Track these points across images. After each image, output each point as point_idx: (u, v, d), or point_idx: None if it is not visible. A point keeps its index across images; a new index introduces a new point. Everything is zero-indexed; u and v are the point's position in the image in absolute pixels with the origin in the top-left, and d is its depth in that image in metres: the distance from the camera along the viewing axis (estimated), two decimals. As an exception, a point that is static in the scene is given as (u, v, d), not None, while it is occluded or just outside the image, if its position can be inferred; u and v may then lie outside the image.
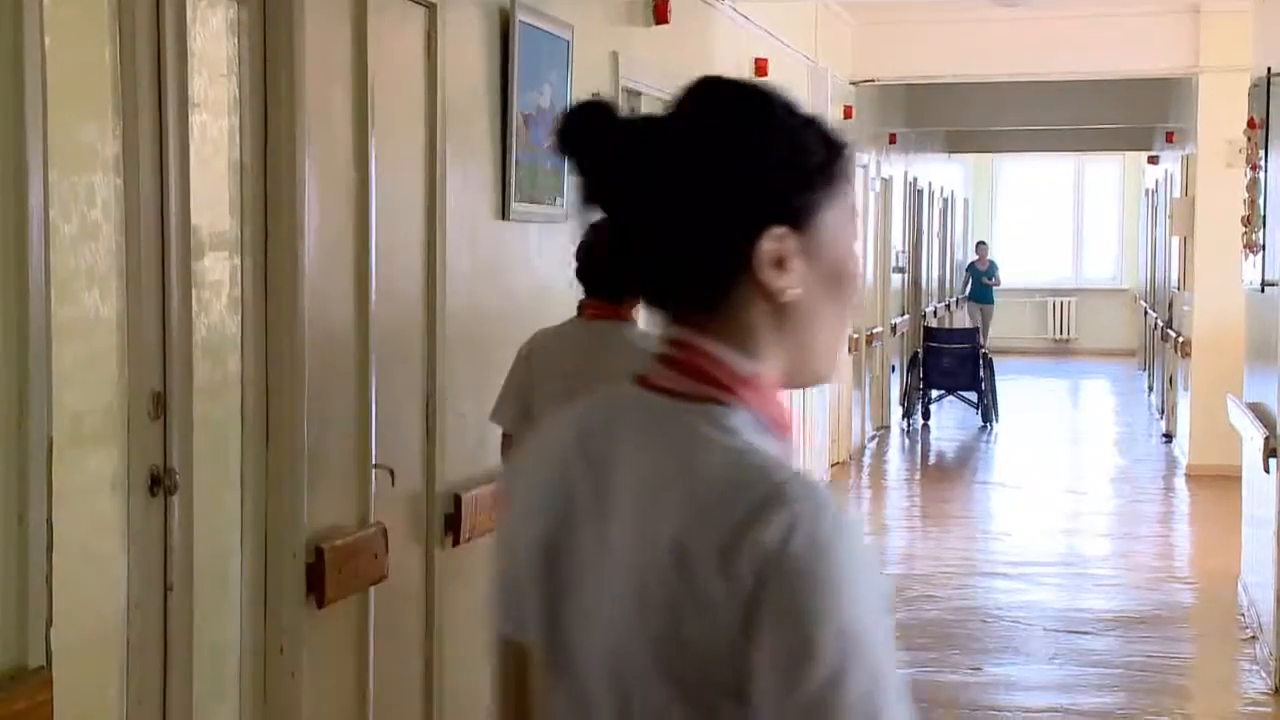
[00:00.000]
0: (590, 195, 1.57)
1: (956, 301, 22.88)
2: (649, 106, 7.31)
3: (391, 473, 4.39)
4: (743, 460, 1.47)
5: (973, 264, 24.17)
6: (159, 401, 3.38)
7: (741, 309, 1.52)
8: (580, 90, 6.04)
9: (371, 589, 4.27)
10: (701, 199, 1.49)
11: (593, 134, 1.56)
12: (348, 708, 4.24)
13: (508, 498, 1.68)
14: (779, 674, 1.36)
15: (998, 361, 16.72)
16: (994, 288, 23.87)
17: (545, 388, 4.39)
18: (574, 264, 4.45)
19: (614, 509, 1.52)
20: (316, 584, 3.92)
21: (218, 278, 3.71)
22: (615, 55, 6.59)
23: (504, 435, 4.56)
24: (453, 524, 4.86)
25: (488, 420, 5.25)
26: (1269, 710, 6.47)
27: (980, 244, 24.45)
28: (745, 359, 1.53)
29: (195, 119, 3.52)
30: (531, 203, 5.54)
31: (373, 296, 4.27)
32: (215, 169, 3.69)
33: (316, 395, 3.96)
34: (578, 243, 4.51)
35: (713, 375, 1.53)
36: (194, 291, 3.51)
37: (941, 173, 20.65)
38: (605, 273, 4.36)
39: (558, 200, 5.81)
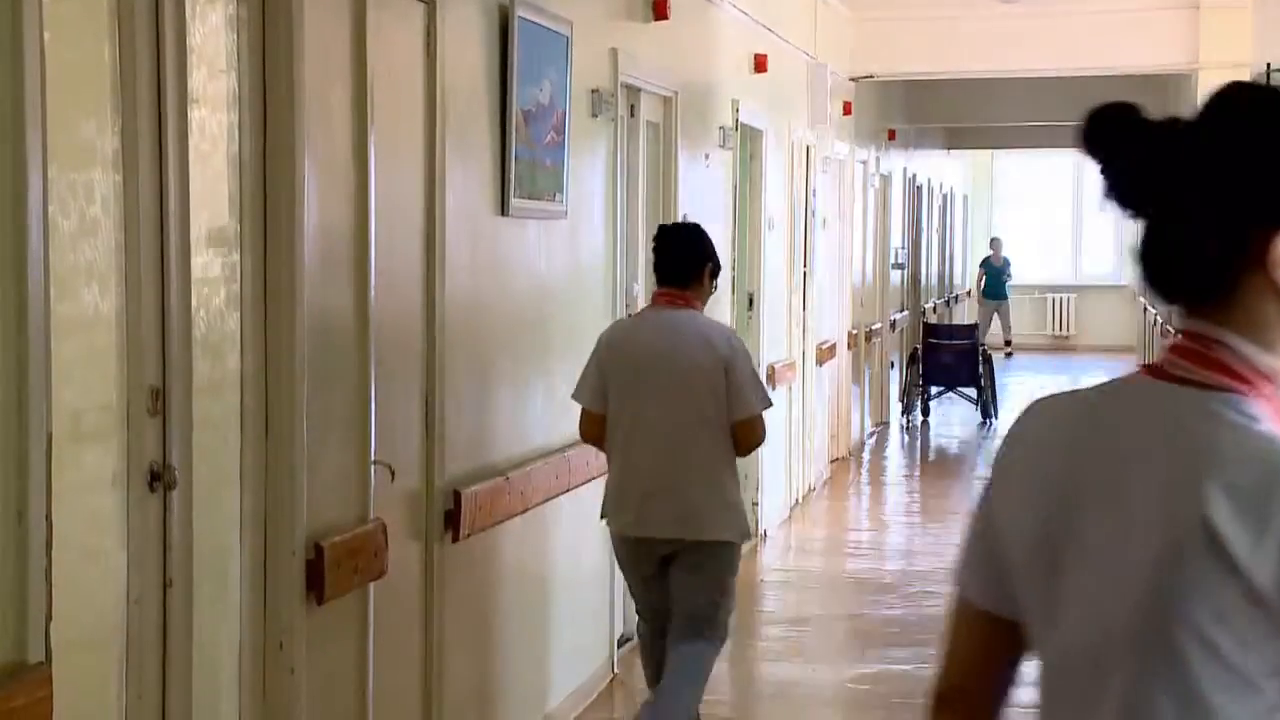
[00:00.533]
0: (1118, 193, 1.67)
1: (955, 299, 22.80)
2: (648, 102, 7.31)
3: (391, 469, 4.39)
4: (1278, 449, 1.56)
5: (987, 260, 24.24)
6: (158, 397, 3.38)
7: (1256, 305, 1.59)
8: (580, 86, 6.05)
9: (371, 585, 4.27)
10: (1227, 199, 1.58)
11: (1123, 136, 1.71)
12: (347, 704, 4.24)
13: (1001, 481, 1.76)
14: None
15: (997, 358, 16.72)
16: (1007, 284, 24.15)
17: (620, 370, 5.24)
18: (651, 259, 5.36)
19: (1133, 494, 1.60)
20: (316, 580, 3.92)
21: (217, 274, 3.70)
22: (615, 51, 6.58)
23: (584, 411, 5.36)
24: (452, 520, 4.86)
25: (487, 417, 5.26)
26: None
27: (995, 240, 24.52)
28: (1263, 353, 1.60)
29: (194, 115, 3.52)
30: (531, 199, 5.54)
31: (372, 292, 4.27)
32: (214, 165, 3.68)
33: (316, 391, 3.96)
34: (653, 241, 5.44)
35: (1233, 368, 1.60)
36: (193, 288, 3.51)
37: (941, 169, 20.66)
38: (677, 266, 5.27)
39: (557, 196, 5.81)
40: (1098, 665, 1.63)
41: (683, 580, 5.29)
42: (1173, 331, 1.84)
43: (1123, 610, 1.60)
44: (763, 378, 9.81)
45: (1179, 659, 1.56)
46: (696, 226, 5.76)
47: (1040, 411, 1.79)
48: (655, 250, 5.50)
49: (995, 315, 24.19)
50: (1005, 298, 24.22)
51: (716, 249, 5.62)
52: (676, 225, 6.18)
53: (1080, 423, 1.71)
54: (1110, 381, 1.76)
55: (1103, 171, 1.67)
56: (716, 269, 5.49)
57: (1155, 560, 1.56)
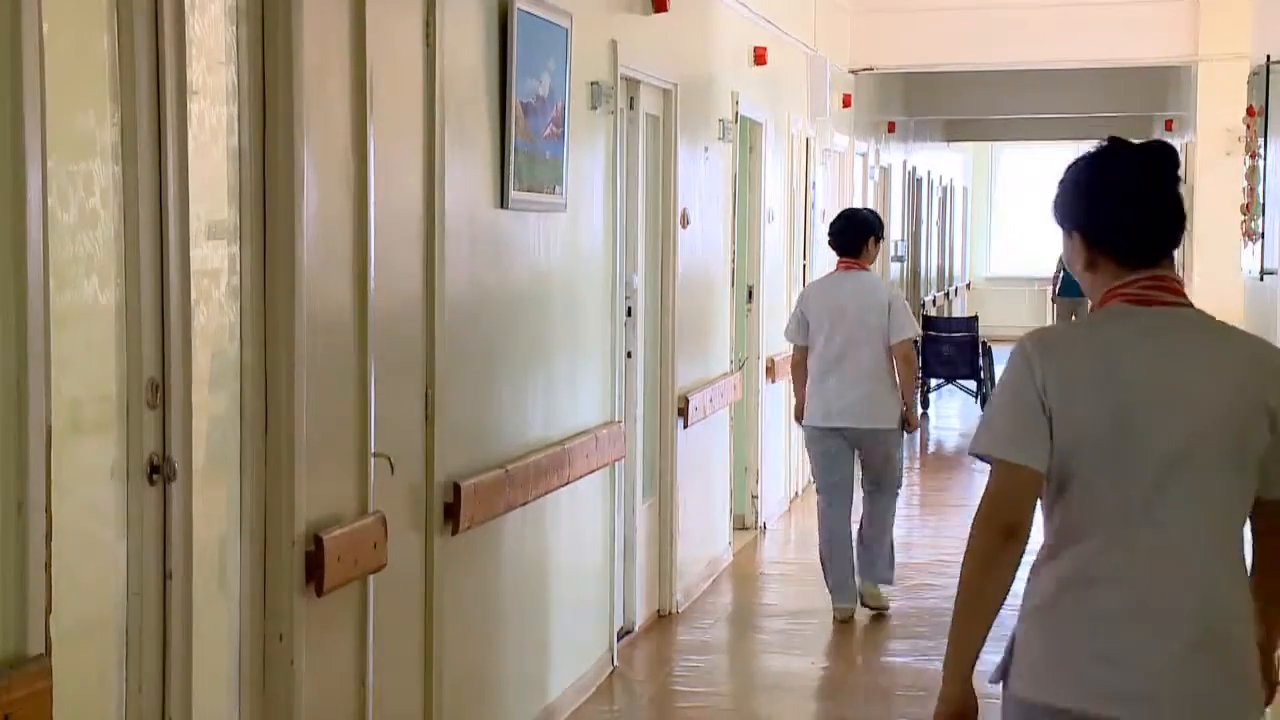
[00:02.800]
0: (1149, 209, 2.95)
1: (955, 291, 22.58)
2: (648, 95, 7.30)
3: (390, 461, 4.39)
4: (1248, 337, 3.01)
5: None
6: (157, 389, 3.38)
7: (1173, 261, 2.97)
8: (579, 78, 6.04)
9: (371, 577, 4.27)
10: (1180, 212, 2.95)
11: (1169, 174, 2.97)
12: (347, 696, 4.24)
13: (1063, 380, 2.85)
14: None
15: (997, 350, 16.72)
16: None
17: (816, 314, 7.61)
18: (829, 237, 7.90)
19: (1209, 368, 2.87)
20: (315, 572, 3.92)
21: (216, 266, 3.70)
22: (614, 43, 6.58)
23: (795, 348, 7.77)
24: (452, 513, 4.86)
25: (487, 409, 5.26)
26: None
27: None
28: None
29: (194, 107, 3.52)
30: (530, 191, 5.54)
31: (371, 284, 4.27)
32: (213, 157, 3.68)
33: (315, 383, 3.96)
34: (830, 226, 7.93)
35: (1184, 293, 2.92)
36: (192, 279, 3.50)
37: (940, 161, 20.65)
38: (850, 242, 7.69)
39: (557, 189, 5.80)
40: (1198, 477, 2.83)
41: (866, 458, 7.66)
42: (1134, 277, 2.91)
43: (1220, 440, 2.83)
44: (761, 370, 9.85)
45: (1242, 469, 2.85)
46: (859, 212, 8.09)
47: (1060, 335, 3.05)
48: (832, 232, 7.87)
49: (1074, 315, 23.25)
50: (1083, 295, 23.78)
51: (878, 222, 7.92)
52: (846, 212, 8.18)
53: (1125, 335, 2.88)
54: (1104, 311, 2.93)
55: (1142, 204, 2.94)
56: (878, 239, 7.77)
57: (1238, 412, 2.84)
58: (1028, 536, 2.85)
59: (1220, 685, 2.80)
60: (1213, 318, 2.93)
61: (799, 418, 7.80)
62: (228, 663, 3.79)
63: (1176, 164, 2.95)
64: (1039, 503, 2.86)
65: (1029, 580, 2.94)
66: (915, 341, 7.81)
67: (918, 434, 15.12)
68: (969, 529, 2.88)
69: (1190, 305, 2.91)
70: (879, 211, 14.99)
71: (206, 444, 3.63)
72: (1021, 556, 2.86)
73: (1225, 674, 2.81)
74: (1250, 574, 2.92)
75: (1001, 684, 2.95)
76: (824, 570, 7.80)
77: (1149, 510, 2.81)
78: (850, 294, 7.57)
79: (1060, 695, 2.80)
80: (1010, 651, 2.93)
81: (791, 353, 7.89)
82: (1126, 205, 2.89)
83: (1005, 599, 2.88)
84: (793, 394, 8.01)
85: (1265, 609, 2.94)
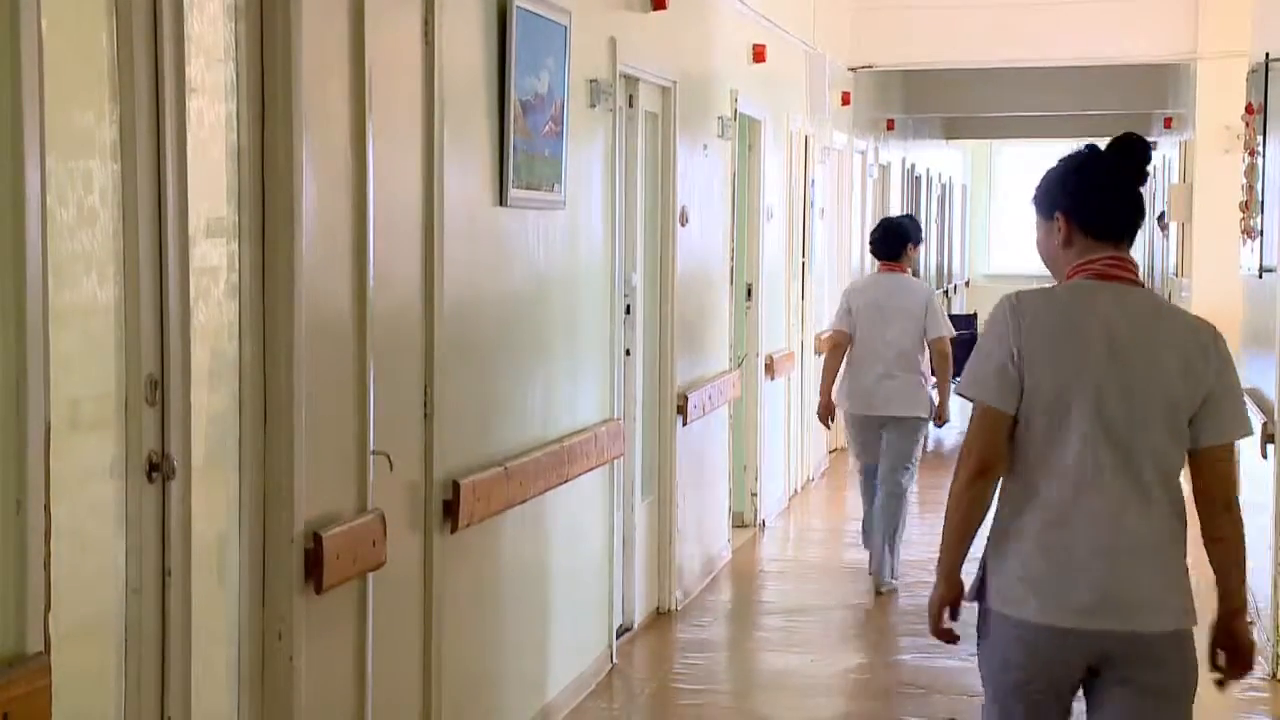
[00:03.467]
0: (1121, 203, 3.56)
1: (954, 289, 22.39)
2: (647, 93, 7.30)
3: (389, 459, 4.39)
4: (1185, 313, 3.56)
5: None
6: (156, 387, 3.38)
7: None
8: (578, 76, 6.04)
9: (370, 575, 4.27)
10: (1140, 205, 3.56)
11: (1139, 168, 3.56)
12: (346, 693, 4.24)
13: (1035, 336, 3.40)
14: (1229, 397, 3.42)
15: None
16: None
17: (862, 307, 8.25)
18: (870, 245, 8.61)
19: (1154, 338, 3.41)
20: (314, 570, 3.92)
21: (215, 264, 3.70)
22: (613, 41, 6.58)
23: (837, 331, 8.42)
24: (451, 510, 4.86)
25: (486, 407, 5.26)
26: (1266, 695, 6.49)
27: None
28: None
29: (192, 104, 3.52)
30: (529, 189, 5.53)
31: (370, 282, 4.27)
32: (212, 155, 3.68)
33: (314, 381, 3.96)
34: (870, 234, 8.68)
35: (1138, 274, 3.49)
36: (191, 277, 3.50)
37: (939, 159, 20.64)
38: (890, 248, 8.40)
39: (556, 187, 5.80)
40: (1138, 433, 3.38)
41: (891, 440, 8.23)
42: (1111, 262, 3.49)
43: (1163, 402, 3.38)
44: (761, 368, 9.85)
45: (1180, 428, 3.40)
46: (896, 220, 8.95)
47: (1036, 297, 3.49)
48: (872, 240, 8.59)
49: None
50: None
51: (915, 228, 8.69)
52: (885, 221, 9.02)
53: (1089, 302, 3.45)
54: (1075, 284, 3.48)
55: (1112, 194, 3.54)
56: (916, 243, 8.50)
57: (1178, 377, 3.39)
58: (999, 474, 3.45)
59: (1157, 593, 3.41)
60: (1159, 296, 3.69)
61: (827, 397, 8.43)
62: (227, 660, 3.79)
63: (1147, 158, 3.53)
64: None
65: (995, 511, 3.53)
66: (946, 340, 8.26)
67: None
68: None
69: (1141, 284, 3.50)
70: (879, 208, 15.06)
71: (205, 441, 3.63)
72: (993, 490, 3.47)
73: (1161, 584, 3.42)
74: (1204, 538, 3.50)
75: (977, 601, 3.53)
76: (864, 539, 8.67)
77: (1098, 457, 3.38)
78: (890, 292, 8.28)
79: (1026, 610, 3.41)
80: (983, 573, 3.51)
81: (832, 334, 8.64)
82: (1103, 191, 3.50)
83: (980, 523, 3.51)
84: (821, 378, 8.66)
85: (1218, 579, 3.52)
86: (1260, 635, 6.99)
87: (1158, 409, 3.38)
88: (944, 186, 21.36)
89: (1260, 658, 6.86)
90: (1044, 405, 3.38)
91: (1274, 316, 6.62)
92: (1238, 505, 3.51)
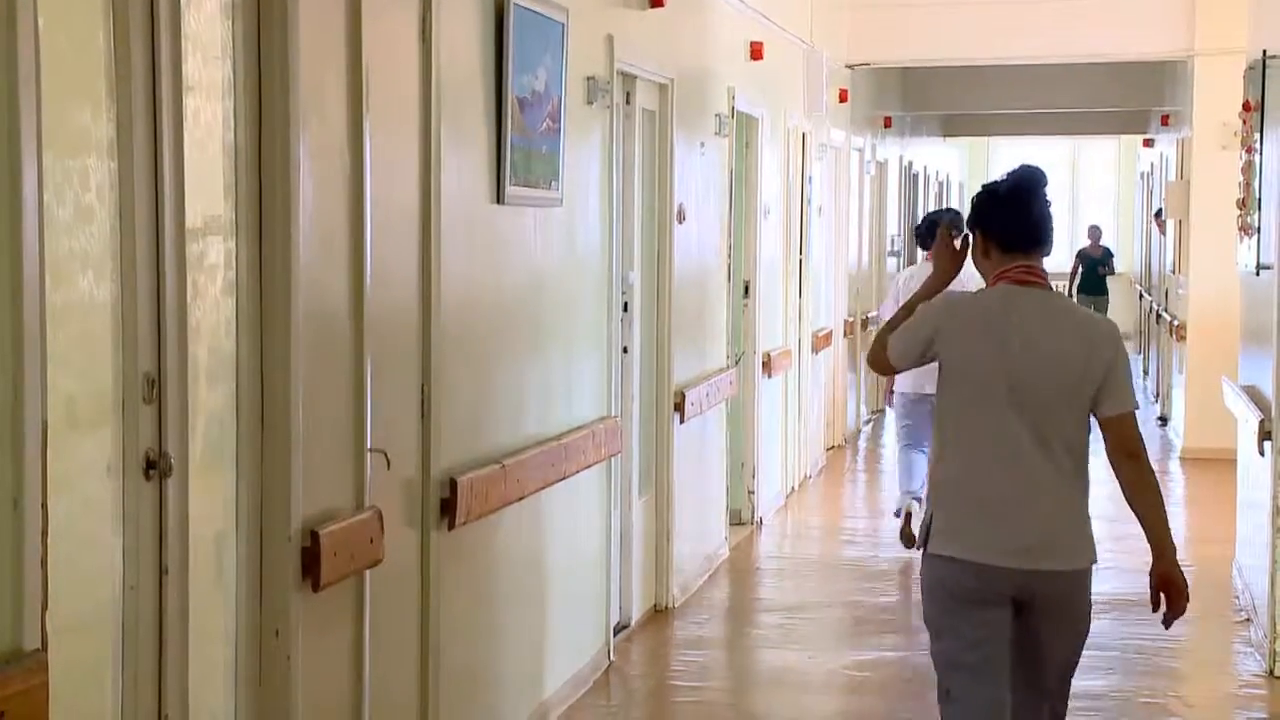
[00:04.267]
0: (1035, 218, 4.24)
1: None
2: (644, 90, 7.30)
3: (386, 456, 4.39)
4: (1086, 312, 4.33)
5: (1084, 250, 21.58)
6: (154, 385, 3.38)
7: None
8: (575, 73, 6.04)
9: (367, 573, 4.28)
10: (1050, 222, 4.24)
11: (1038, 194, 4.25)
12: (343, 690, 4.24)
13: (955, 323, 4.17)
14: (1121, 379, 4.10)
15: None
16: (1108, 277, 21.16)
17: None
18: (915, 235, 9.11)
19: (1058, 332, 4.09)
20: (312, 567, 3.92)
21: (212, 261, 3.70)
22: (610, 38, 6.58)
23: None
24: (448, 508, 4.85)
25: (483, 404, 5.26)
26: (1263, 692, 6.49)
27: (1094, 227, 22.02)
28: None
29: (189, 102, 3.52)
30: (526, 186, 5.53)
31: (367, 279, 4.27)
32: (209, 152, 3.68)
33: (311, 379, 3.96)
34: (915, 229, 9.15)
35: (1044, 278, 4.17)
36: (188, 275, 3.51)
37: (937, 156, 20.65)
38: (923, 240, 8.99)
39: (553, 184, 5.80)
40: (1041, 420, 4.06)
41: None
42: (1020, 270, 4.20)
43: (1061, 390, 4.07)
44: (758, 366, 9.85)
45: (1082, 406, 4.08)
46: (936, 213, 9.54)
47: (963, 298, 4.34)
48: (918, 232, 9.30)
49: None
50: (1104, 294, 20.93)
51: (959, 218, 8.38)
52: (930, 214, 9.63)
53: (1006, 302, 4.14)
54: (996, 288, 4.17)
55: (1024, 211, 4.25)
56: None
57: (1079, 364, 4.07)
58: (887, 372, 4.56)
59: (1064, 539, 4.14)
60: (1062, 296, 4.38)
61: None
62: (224, 658, 3.79)
63: (1043, 185, 4.27)
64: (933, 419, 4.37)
65: (930, 473, 4.44)
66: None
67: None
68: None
69: (1049, 288, 4.20)
70: (876, 205, 15.08)
71: (203, 439, 3.63)
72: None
73: (1067, 532, 4.15)
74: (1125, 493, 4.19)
75: (923, 550, 4.24)
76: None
77: (1013, 428, 4.09)
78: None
79: (957, 550, 4.12)
80: (926, 528, 4.22)
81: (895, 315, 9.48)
82: (1005, 213, 4.22)
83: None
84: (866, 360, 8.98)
85: (1146, 533, 4.19)
86: (1257, 633, 6.99)
87: (1062, 389, 4.10)
88: (941, 184, 21.36)
89: (1257, 654, 6.86)
90: (962, 382, 4.17)
91: (1271, 313, 6.62)
92: (1143, 457, 4.16)
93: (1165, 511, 4.19)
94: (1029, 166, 4.33)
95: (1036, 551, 4.09)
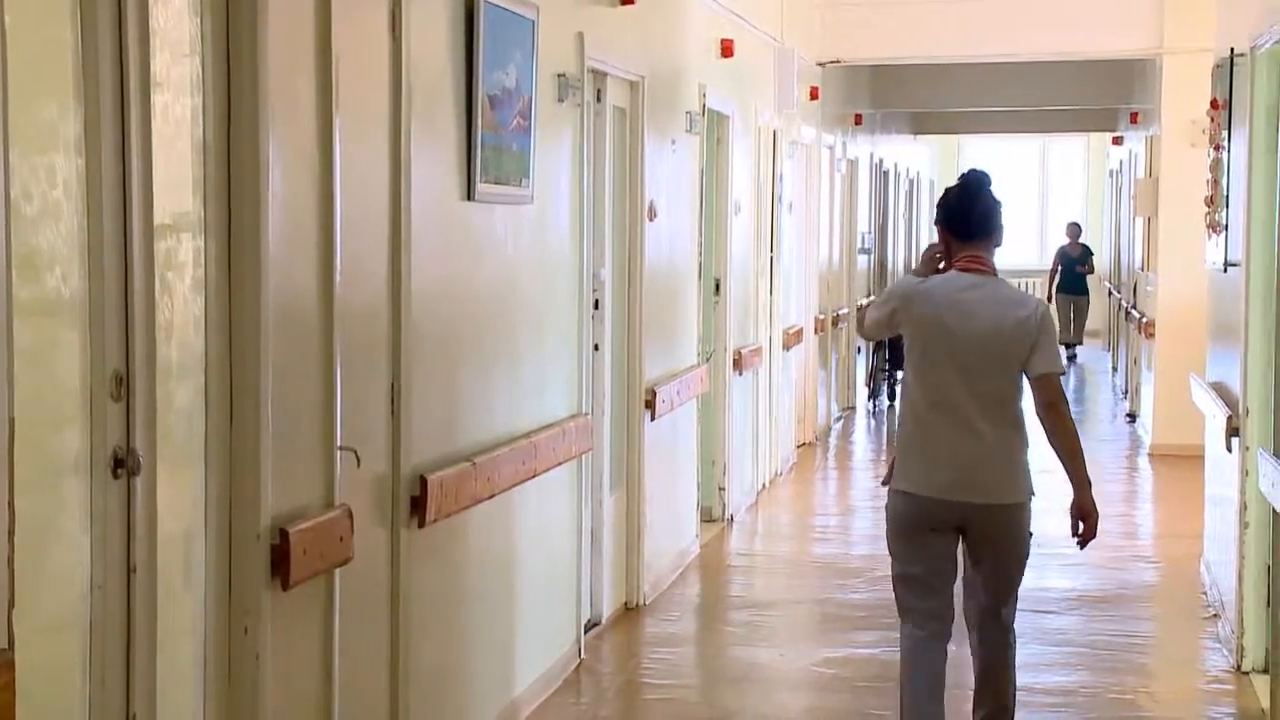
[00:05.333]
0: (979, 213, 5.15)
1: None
2: (615, 87, 7.30)
3: (356, 454, 4.39)
4: (1018, 292, 5.19)
5: (1063, 249, 21.49)
6: (122, 383, 3.36)
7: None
8: (546, 71, 6.04)
9: (336, 571, 4.27)
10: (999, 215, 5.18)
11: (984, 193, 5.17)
12: (313, 689, 4.23)
13: (918, 301, 5.07)
14: (1045, 346, 5.00)
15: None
16: (1088, 275, 21.06)
17: None
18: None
19: (996, 312, 5.00)
20: (281, 566, 3.91)
21: (181, 259, 3.69)
22: (581, 36, 6.57)
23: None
24: (418, 506, 4.85)
25: (453, 402, 5.25)
26: (1231, 688, 6.52)
27: (1073, 225, 21.80)
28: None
29: (158, 99, 3.50)
30: (497, 184, 5.53)
31: (337, 277, 4.26)
32: (178, 149, 3.67)
33: (281, 376, 3.95)
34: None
35: (992, 268, 5.10)
36: (157, 272, 3.49)
37: (907, 154, 20.69)
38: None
39: (524, 181, 5.80)
40: (979, 382, 4.97)
41: None
42: (968, 259, 5.11)
43: (995, 357, 4.97)
44: (729, 363, 9.86)
45: (1012, 369, 5.00)
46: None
47: (923, 284, 5.10)
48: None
49: (1072, 309, 21.15)
50: (1085, 293, 21.06)
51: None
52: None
53: (955, 286, 5.04)
54: (947, 274, 5.08)
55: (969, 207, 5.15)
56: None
57: (1009, 335, 4.98)
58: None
59: (1001, 478, 5.04)
60: (1002, 281, 5.14)
61: None
62: (192, 656, 3.77)
63: (986, 186, 5.17)
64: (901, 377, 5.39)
65: (898, 424, 5.37)
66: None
67: (884, 425, 15.21)
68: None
69: (991, 274, 5.10)
70: (846, 203, 15.10)
71: (171, 437, 3.62)
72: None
73: (1003, 472, 5.05)
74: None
75: (888, 487, 5.15)
76: None
77: (955, 387, 5.02)
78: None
79: (913, 486, 5.07)
80: (890, 468, 5.17)
81: None
82: (955, 211, 5.16)
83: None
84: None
85: (1066, 471, 5.07)
86: (1225, 628, 7.03)
87: (997, 354, 5.02)
88: (911, 181, 21.41)
89: (1225, 649, 6.90)
90: (916, 350, 5.10)
91: (1238, 311, 6.66)
92: (1062, 409, 5.07)
93: (1081, 453, 5.07)
94: (975, 171, 5.26)
95: (973, 488, 5.00)
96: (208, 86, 3.75)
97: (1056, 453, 5.04)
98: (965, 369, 4.99)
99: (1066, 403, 5.13)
